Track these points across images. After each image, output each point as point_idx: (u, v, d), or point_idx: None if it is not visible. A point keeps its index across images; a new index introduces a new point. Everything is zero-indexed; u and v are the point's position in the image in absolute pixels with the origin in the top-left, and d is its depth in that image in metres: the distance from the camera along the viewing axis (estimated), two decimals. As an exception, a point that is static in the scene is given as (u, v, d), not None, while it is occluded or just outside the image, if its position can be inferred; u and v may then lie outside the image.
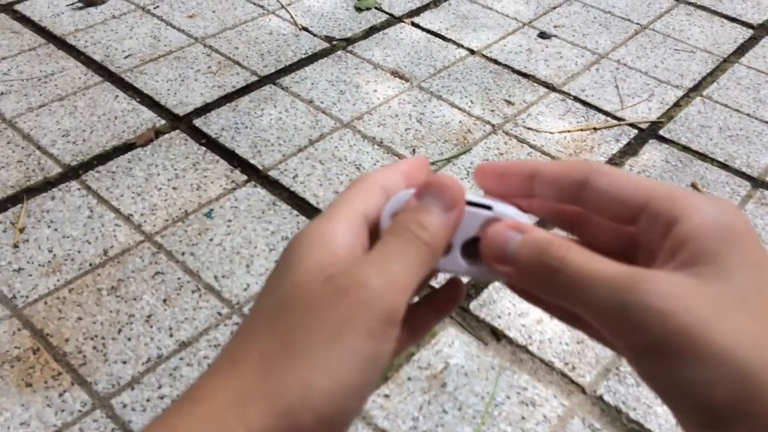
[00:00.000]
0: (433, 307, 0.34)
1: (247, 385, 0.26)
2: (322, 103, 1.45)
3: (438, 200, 0.30)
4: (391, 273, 0.27)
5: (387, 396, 0.94)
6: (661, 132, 1.44)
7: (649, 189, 0.29)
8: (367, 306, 0.26)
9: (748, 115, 1.49)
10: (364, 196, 0.31)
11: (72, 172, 1.25)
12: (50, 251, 1.11)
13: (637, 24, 1.77)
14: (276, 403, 0.26)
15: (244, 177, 1.26)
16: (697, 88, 1.56)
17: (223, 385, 0.27)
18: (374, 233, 0.31)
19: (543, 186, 0.31)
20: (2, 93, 1.42)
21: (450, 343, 1.01)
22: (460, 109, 1.46)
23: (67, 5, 1.69)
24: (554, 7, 1.82)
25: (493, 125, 1.42)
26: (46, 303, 1.03)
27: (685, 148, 1.40)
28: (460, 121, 1.42)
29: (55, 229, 1.14)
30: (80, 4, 1.70)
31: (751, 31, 1.77)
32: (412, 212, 0.30)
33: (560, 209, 0.33)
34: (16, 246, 1.11)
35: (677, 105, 1.51)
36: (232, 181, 1.25)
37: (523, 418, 0.93)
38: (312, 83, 1.50)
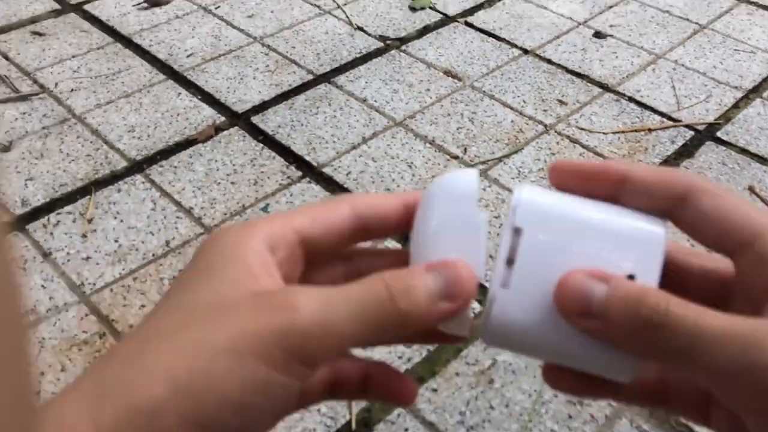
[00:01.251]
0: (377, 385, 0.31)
1: (110, 374, 0.23)
2: (375, 101, 1.47)
3: (445, 286, 0.26)
4: (330, 318, 0.24)
5: (435, 390, 0.96)
6: (718, 134, 1.41)
7: (759, 223, 0.26)
8: (280, 332, 0.23)
9: (811, 117, 1.45)
10: (316, 212, 0.29)
11: (137, 166, 1.31)
12: (116, 241, 1.16)
13: (696, 23, 1.74)
14: (136, 397, 0.22)
15: (299, 173, 1.30)
16: (756, 90, 1.53)
17: (92, 373, 0.24)
18: (322, 250, 0.29)
19: (633, 193, 0.28)
20: (72, 90, 1.49)
21: (498, 341, 1.02)
22: (512, 108, 1.46)
23: (133, 5, 1.76)
24: (610, 7, 1.80)
25: (545, 125, 1.42)
26: (111, 290, 1.09)
27: (743, 151, 1.37)
28: (512, 121, 1.43)
29: (121, 221, 1.20)
30: (145, 5, 1.76)
31: (816, 31, 1.72)
32: (412, 276, 0.26)
33: None
34: (84, 236, 1.17)
35: (736, 106, 1.48)
36: (288, 177, 1.29)
37: (570, 416, 0.93)
38: (366, 82, 1.53)
